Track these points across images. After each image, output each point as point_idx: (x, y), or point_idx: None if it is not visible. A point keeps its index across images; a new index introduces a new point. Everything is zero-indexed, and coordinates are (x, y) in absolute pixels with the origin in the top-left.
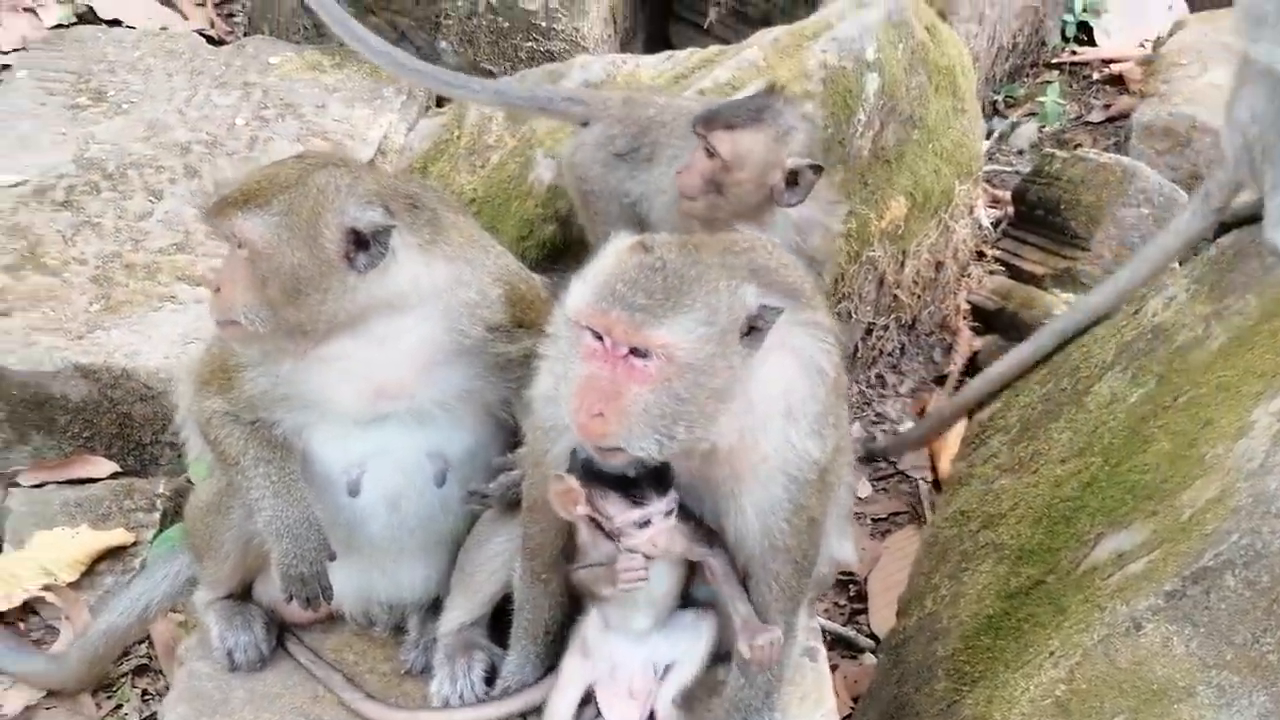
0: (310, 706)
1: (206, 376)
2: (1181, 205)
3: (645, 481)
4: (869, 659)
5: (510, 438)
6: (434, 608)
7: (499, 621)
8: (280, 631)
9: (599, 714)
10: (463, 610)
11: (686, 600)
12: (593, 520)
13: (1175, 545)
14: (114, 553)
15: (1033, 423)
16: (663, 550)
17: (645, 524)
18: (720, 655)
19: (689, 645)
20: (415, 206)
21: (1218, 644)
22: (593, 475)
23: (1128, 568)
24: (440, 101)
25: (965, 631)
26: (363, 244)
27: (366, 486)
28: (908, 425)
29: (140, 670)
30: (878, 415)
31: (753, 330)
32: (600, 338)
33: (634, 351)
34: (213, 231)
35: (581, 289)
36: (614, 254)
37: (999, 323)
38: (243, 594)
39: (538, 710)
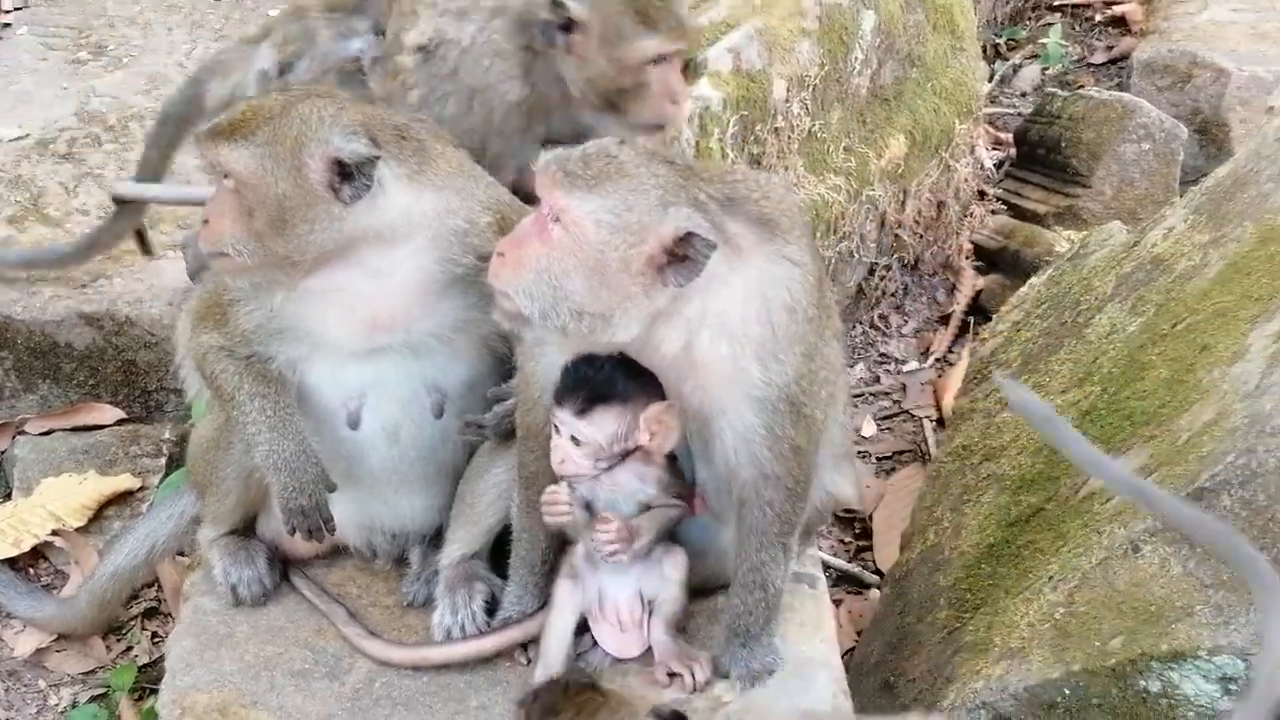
0: (314, 639)
1: (203, 312)
2: (1181, 140)
3: (575, 389)
4: (874, 594)
5: (506, 370)
6: (436, 540)
7: (499, 553)
8: (284, 566)
9: (595, 644)
10: (463, 542)
11: (673, 536)
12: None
13: (1172, 468)
14: (121, 498)
15: (1034, 356)
16: (568, 471)
17: (557, 428)
18: (721, 585)
19: (666, 578)
20: (403, 137)
21: (1214, 563)
22: (569, 361)
23: None
24: None
25: (966, 561)
26: (347, 175)
27: (366, 418)
28: (912, 365)
29: (150, 613)
30: (882, 355)
31: (686, 258)
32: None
33: (552, 215)
34: (200, 163)
35: (557, 150)
36: (604, 139)
37: (1002, 261)
38: (246, 530)
39: (537, 640)
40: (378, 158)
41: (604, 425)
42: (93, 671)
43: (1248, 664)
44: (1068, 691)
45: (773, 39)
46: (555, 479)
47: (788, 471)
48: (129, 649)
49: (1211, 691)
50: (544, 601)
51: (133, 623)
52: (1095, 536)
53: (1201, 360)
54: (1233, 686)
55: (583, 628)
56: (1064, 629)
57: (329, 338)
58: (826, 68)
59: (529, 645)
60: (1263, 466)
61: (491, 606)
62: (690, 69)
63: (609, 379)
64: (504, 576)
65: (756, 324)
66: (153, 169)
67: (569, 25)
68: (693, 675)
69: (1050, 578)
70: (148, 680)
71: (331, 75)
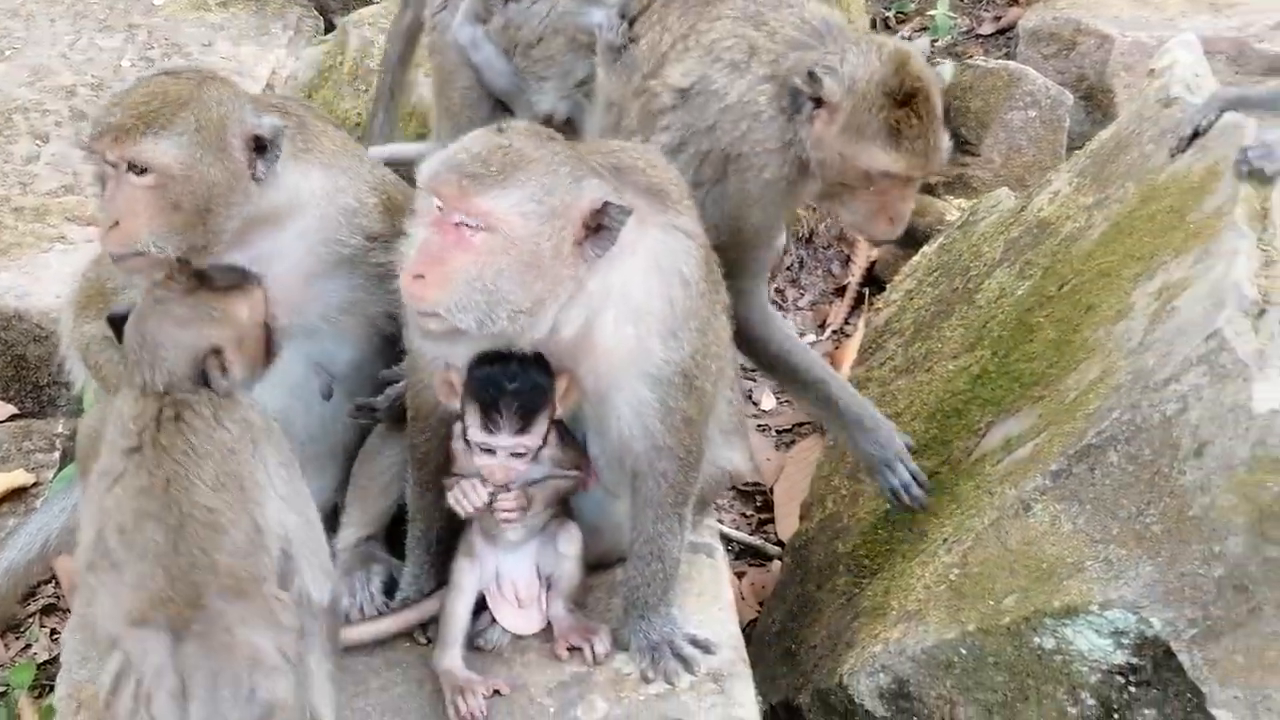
0: None
1: (84, 302)
2: (1067, 107)
3: (510, 412)
4: (777, 566)
5: (395, 351)
6: (331, 523)
7: (396, 534)
8: None
9: (494, 621)
10: (359, 525)
11: (567, 510)
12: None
13: (1060, 427)
14: (15, 495)
15: (926, 324)
16: (509, 480)
17: (489, 451)
18: (618, 559)
19: (562, 553)
20: (285, 113)
21: (1104, 519)
22: (477, 384)
23: (1016, 452)
24: (327, 29)
25: (864, 527)
26: (260, 149)
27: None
28: (810, 338)
29: (48, 610)
30: None
31: (601, 229)
32: (442, 207)
33: (466, 223)
34: (105, 163)
35: (435, 158)
36: (476, 133)
37: None
38: None
39: (436, 619)
40: (286, 127)
41: (540, 427)
42: None
43: (1139, 616)
44: (964, 651)
45: None
46: (448, 459)
47: (680, 443)
48: (27, 646)
49: (1105, 646)
50: (441, 581)
51: (31, 620)
52: (987, 497)
53: (1087, 320)
54: (1124, 640)
55: (481, 606)
56: (959, 590)
57: None
58: None
59: (428, 625)
60: (1147, 421)
61: (390, 587)
62: None
63: (534, 387)
64: (401, 557)
65: (658, 299)
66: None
67: (819, 101)
68: (593, 648)
69: (945, 539)
70: (47, 677)
71: (561, 38)
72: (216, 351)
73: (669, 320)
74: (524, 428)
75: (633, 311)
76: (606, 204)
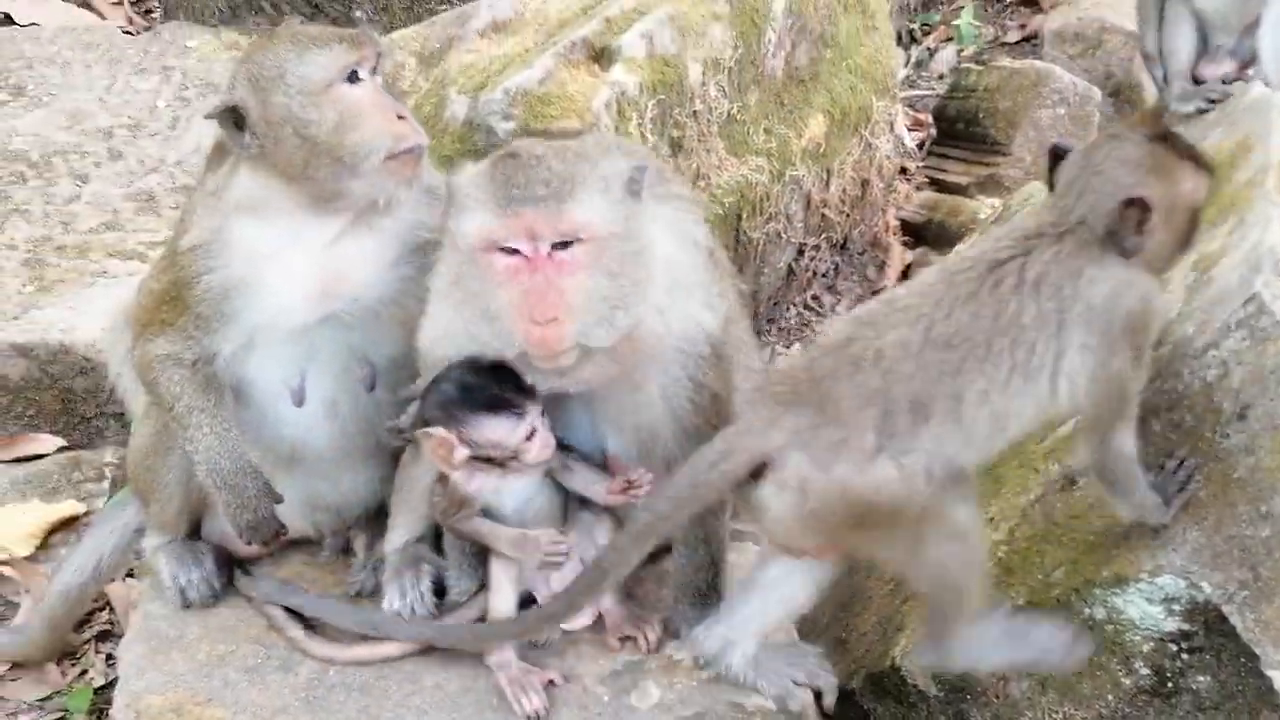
0: (265, 635)
1: (146, 318)
2: (1096, 102)
3: (513, 392)
4: None
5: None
6: (378, 525)
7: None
8: (232, 565)
9: None
10: (405, 528)
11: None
12: (477, 460)
13: None
14: (67, 524)
15: None
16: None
17: (532, 434)
18: (665, 547)
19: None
20: None
21: None
22: (456, 406)
23: (1059, 429)
24: None
25: None
26: None
27: (308, 394)
28: None
29: (103, 636)
30: (818, 336)
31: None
32: (515, 252)
33: (557, 247)
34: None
35: (473, 217)
36: (478, 178)
37: (928, 234)
38: (191, 534)
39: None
40: None
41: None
42: (49, 697)
43: (1189, 582)
44: None
45: (685, 24)
46: None
47: (707, 422)
48: (84, 672)
49: (1156, 613)
50: (481, 579)
51: (86, 646)
52: (1032, 475)
53: None
54: (1175, 606)
55: (530, 601)
56: (1007, 565)
57: (279, 309)
58: (740, 50)
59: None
60: (1188, 389)
61: (439, 587)
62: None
63: (492, 365)
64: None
65: (694, 269)
66: None
67: None
68: (645, 636)
69: (991, 519)
70: (104, 701)
71: None
72: (1143, 206)
73: (704, 290)
74: (524, 391)
75: (681, 286)
76: (634, 167)
